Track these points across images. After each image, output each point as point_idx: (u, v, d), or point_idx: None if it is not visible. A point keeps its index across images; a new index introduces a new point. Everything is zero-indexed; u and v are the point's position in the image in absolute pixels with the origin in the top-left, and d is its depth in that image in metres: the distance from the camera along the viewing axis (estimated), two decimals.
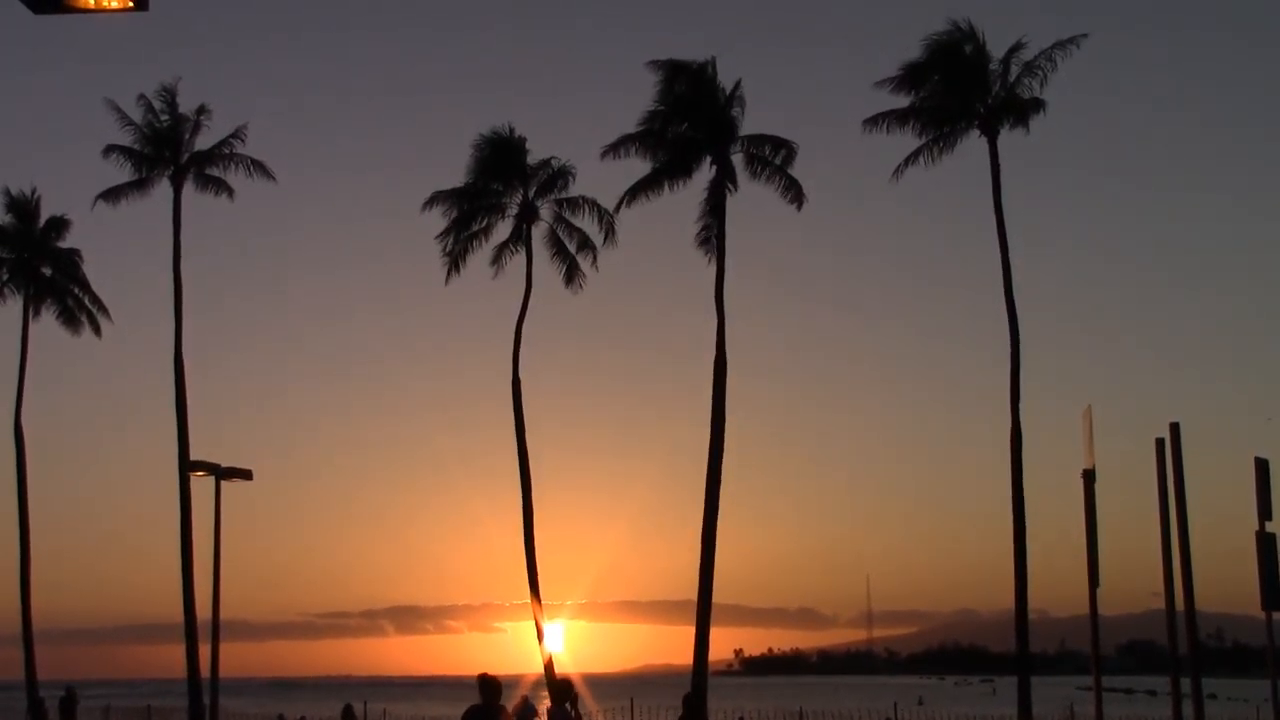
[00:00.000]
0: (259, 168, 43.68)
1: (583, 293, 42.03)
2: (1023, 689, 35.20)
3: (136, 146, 43.60)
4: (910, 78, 37.63)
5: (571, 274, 42.16)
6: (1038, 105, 37.01)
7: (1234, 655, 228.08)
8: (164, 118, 43.58)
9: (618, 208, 40.56)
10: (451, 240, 42.03)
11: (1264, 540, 17.41)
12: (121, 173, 43.76)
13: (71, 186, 52.01)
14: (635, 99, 41.95)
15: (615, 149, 39.56)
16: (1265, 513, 17.50)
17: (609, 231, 41.42)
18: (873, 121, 38.17)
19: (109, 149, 43.53)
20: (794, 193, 39.02)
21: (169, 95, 43.74)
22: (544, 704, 41.93)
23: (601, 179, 43.90)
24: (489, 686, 16.11)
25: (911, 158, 38.25)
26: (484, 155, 41.42)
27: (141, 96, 43.66)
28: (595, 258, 41.95)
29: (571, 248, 42.02)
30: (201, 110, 43.85)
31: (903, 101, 38.00)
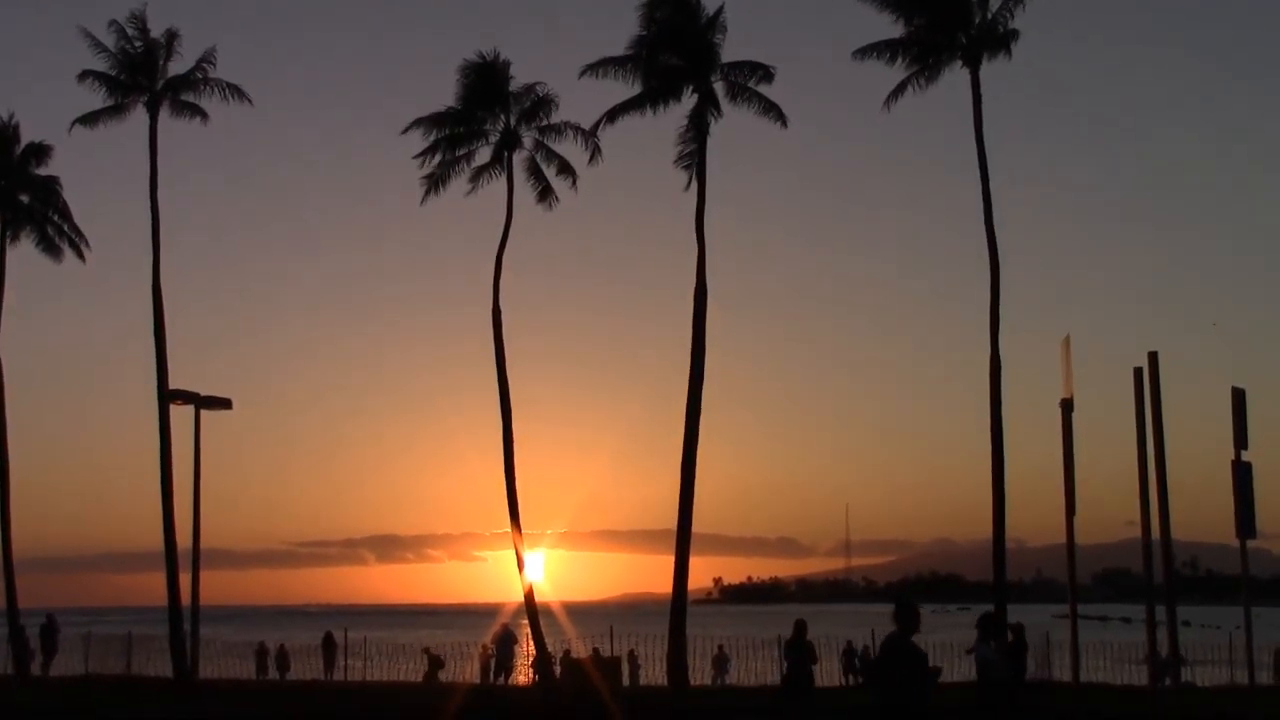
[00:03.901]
0: (235, 91, 43.36)
1: (564, 223, 42.28)
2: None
3: (112, 72, 43.20)
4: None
5: (545, 194, 42.07)
6: (1014, 35, 36.83)
7: (1207, 583, 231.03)
8: (137, 44, 43.12)
9: (595, 127, 40.21)
10: (433, 163, 41.72)
11: (1240, 469, 17.52)
12: (98, 100, 43.44)
13: (50, 116, 51.34)
14: (619, 16, 41.38)
15: (595, 70, 39.18)
16: (1241, 442, 17.60)
17: (595, 151, 41.08)
18: (862, 53, 37.93)
19: (84, 74, 43.16)
20: (775, 112, 38.84)
21: (139, 21, 43.27)
22: (524, 630, 42.26)
23: (582, 100, 43.37)
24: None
25: (898, 90, 38.08)
26: (470, 81, 40.93)
27: (113, 22, 43.32)
28: (575, 181, 41.81)
29: (550, 173, 41.85)
30: (172, 35, 43.37)
31: (887, 22, 37.83)
